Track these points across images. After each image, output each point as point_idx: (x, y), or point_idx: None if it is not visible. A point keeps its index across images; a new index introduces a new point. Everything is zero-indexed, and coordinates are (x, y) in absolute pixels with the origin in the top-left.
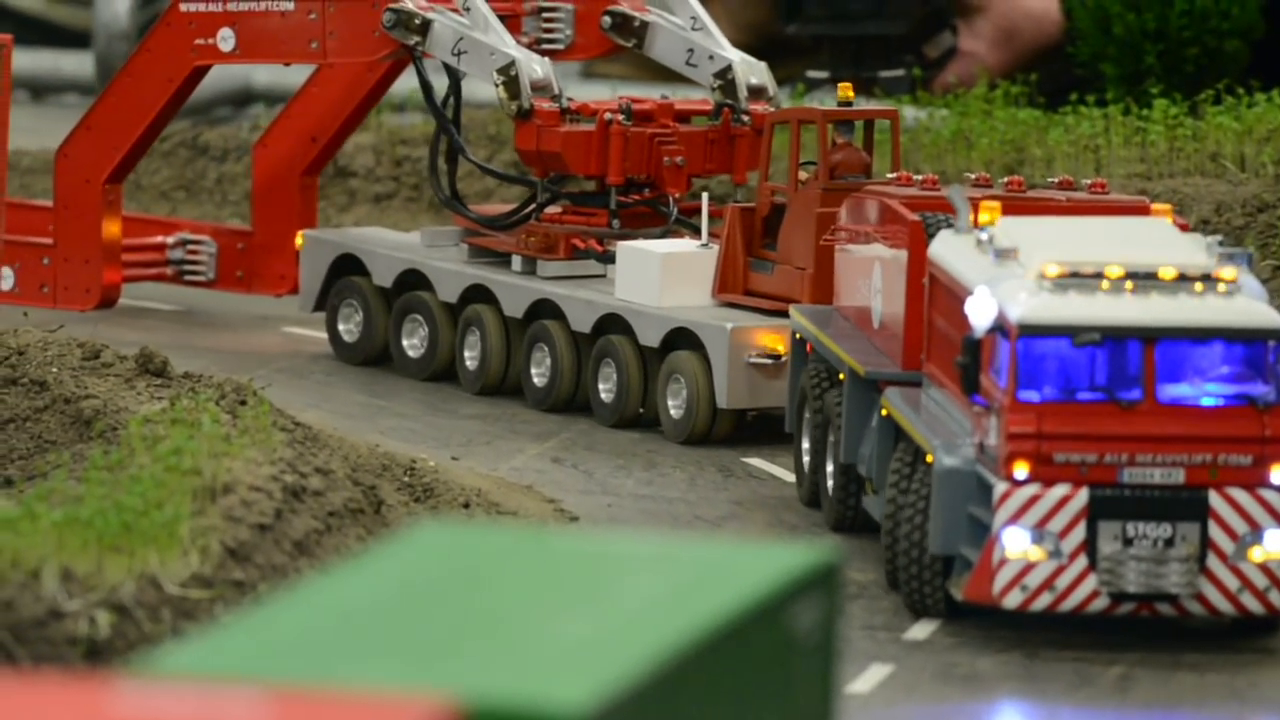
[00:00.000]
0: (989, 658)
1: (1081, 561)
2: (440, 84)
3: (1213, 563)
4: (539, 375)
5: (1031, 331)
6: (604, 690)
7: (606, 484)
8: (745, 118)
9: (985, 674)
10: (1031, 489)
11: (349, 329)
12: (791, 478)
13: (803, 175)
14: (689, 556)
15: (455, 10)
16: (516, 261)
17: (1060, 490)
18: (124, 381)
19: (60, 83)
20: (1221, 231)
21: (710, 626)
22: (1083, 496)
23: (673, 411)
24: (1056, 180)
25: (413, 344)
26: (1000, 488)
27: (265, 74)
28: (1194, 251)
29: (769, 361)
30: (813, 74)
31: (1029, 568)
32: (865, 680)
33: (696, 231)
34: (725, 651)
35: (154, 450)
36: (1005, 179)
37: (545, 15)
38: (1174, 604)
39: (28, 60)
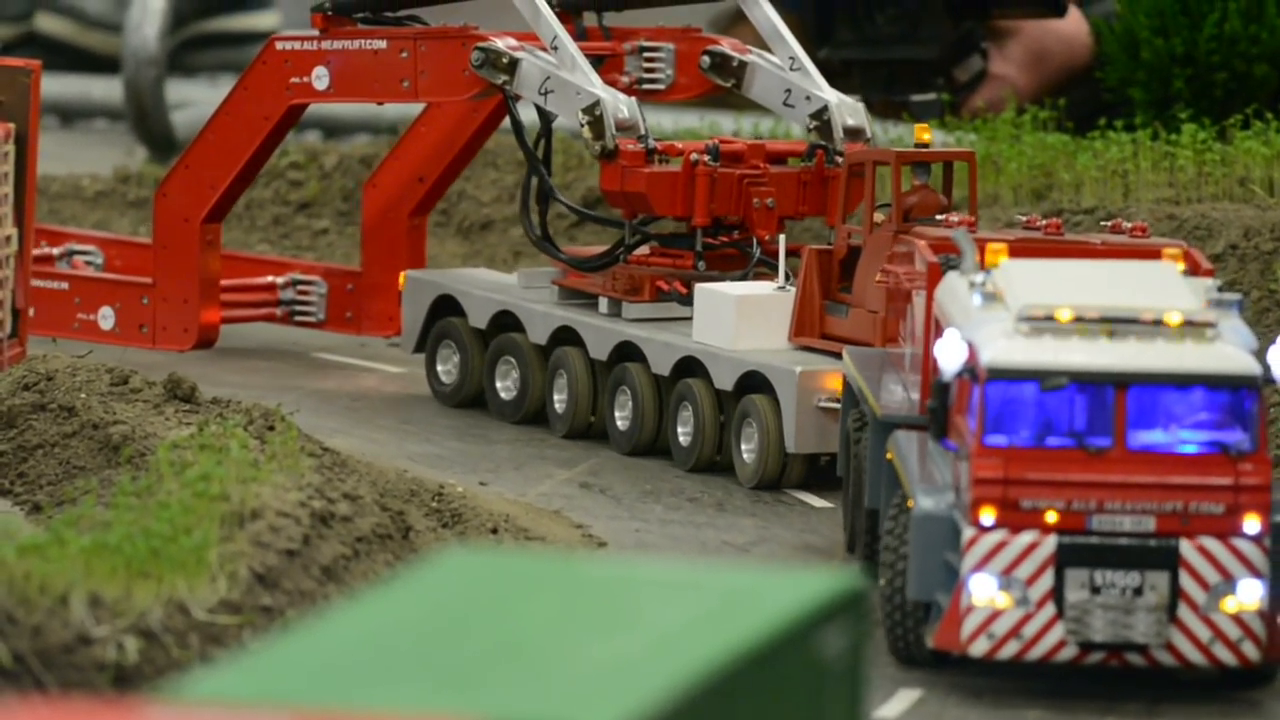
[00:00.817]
0: (1016, 680)
1: (1049, 609)
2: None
3: (1184, 613)
4: (622, 419)
5: (1000, 375)
6: (632, 715)
7: (635, 510)
8: (839, 159)
9: (1013, 697)
10: (998, 535)
11: (447, 370)
12: (820, 503)
13: (878, 217)
14: (717, 582)
15: (544, 49)
16: (603, 303)
17: (1027, 537)
18: (152, 407)
19: (90, 108)
20: (1249, 256)
21: (738, 652)
22: (1050, 543)
23: (745, 456)
24: (1110, 224)
25: (505, 386)
26: (967, 533)
27: None
28: (1186, 297)
29: (838, 405)
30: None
31: (995, 615)
32: (894, 705)
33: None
34: (753, 677)
35: (182, 476)
36: (1044, 220)
37: (646, 55)
38: (1144, 654)
39: (57, 86)
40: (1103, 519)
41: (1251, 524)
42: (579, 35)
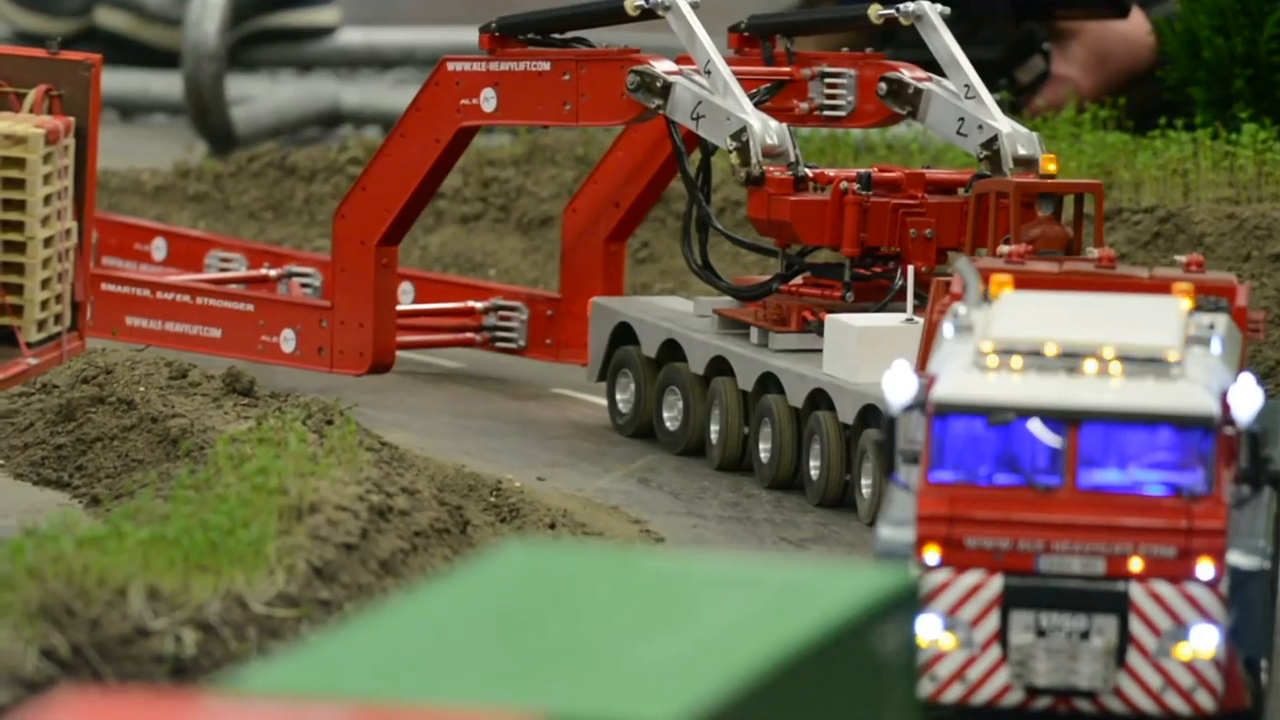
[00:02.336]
0: None
1: (994, 652)
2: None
3: (1134, 658)
4: (765, 451)
5: (947, 410)
6: (691, 709)
7: (692, 505)
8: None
9: None
10: (943, 574)
11: (625, 399)
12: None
13: (1002, 250)
14: (775, 577)
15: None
16: (754, 333)
17: (972, 577)
18: (211, 401)
19: (149, 103)
20: None
21: (796, 647)
22: (996, 584)
23: (864, 490)
24: (1185, 260)
25: (672, 416)
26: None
27: (354, 94)
28: (1166, 334)
29: None
30: None
31: (939, 657)
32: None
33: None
34: (811, 672)
35: (240, 469)
36: (1096, 252)
37: (829, 81)
38: (1093, 700)
39: (117, 80)
40: (1051, 560)
41: (1205, 568)
42: (766, 60)
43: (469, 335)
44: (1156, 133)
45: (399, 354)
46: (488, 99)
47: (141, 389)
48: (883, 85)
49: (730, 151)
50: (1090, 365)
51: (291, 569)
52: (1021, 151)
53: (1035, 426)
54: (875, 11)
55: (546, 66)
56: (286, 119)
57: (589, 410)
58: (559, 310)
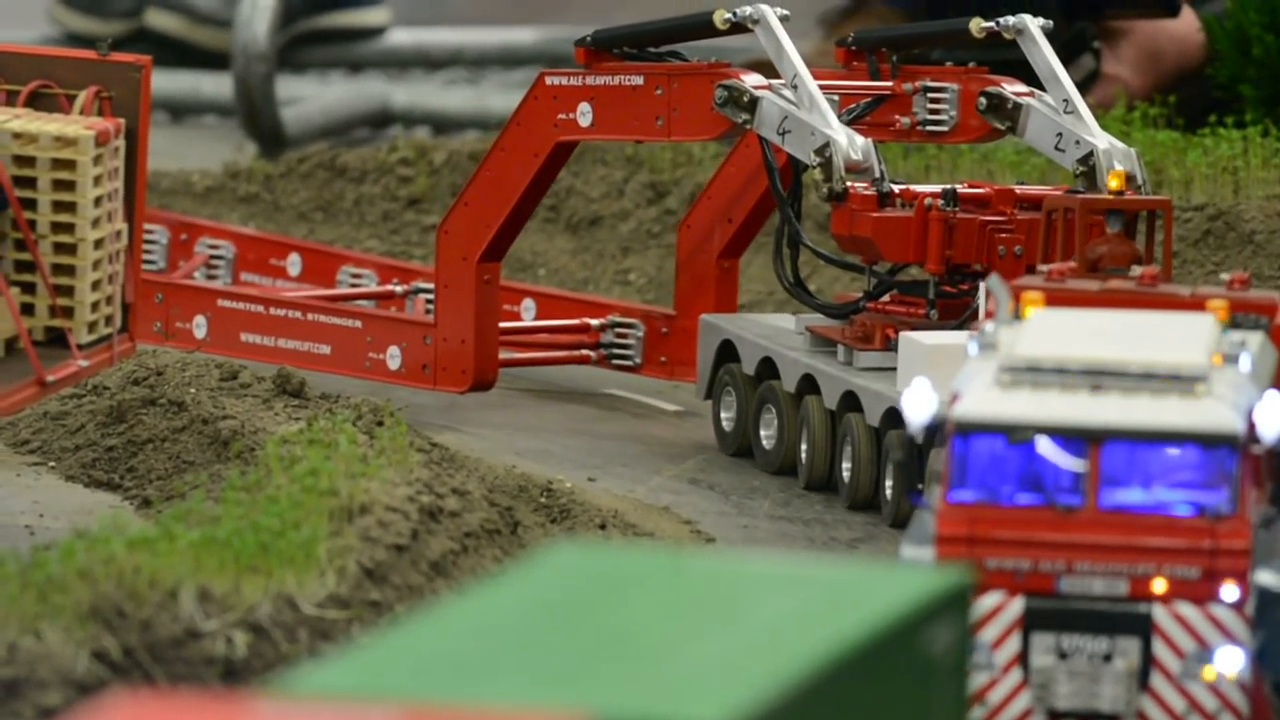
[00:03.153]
0: None
1: (1015, 675)
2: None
3: (1157, 681)
4: (846, 470)
5: (967, 429)
6: (740, 708)
7: (743, 506)
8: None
9: None
10: None
11: (729, 417)
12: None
13: (1043, 268)
14: (825, 577)
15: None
16: (841, 351)
17: (993, 598)
18: (261, 402)
19: (200, 104)
20: None
21: (846, 646)
22: (1017, 606)
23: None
24: (1230, 278)
25: (768, 435)
26: None
27: (403, 95)
28: (1194, 352)
29: None
30: None
31: None
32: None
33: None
34: (861, 672)
35: (291, 471)
36: (1140, 271)
37: (932, 96)
38: None
39: (167, 81)
40: (1072, 581)
41: (1229, 590)
42: (872, 74)
43: (584, 353)
44: (1206, 130)
45: (513, 371)
46: (584, 114)
47: (192, 390)
48: (982, 100)
49: (814, 167)
50: (1113, 383)
51: (342, 570)
52: (1118, 167)
53: (1046, 446)
54: (977, 25)
55: (640, 81)
56: (336, 120)
57: (640, 410)
58: (673, 327)
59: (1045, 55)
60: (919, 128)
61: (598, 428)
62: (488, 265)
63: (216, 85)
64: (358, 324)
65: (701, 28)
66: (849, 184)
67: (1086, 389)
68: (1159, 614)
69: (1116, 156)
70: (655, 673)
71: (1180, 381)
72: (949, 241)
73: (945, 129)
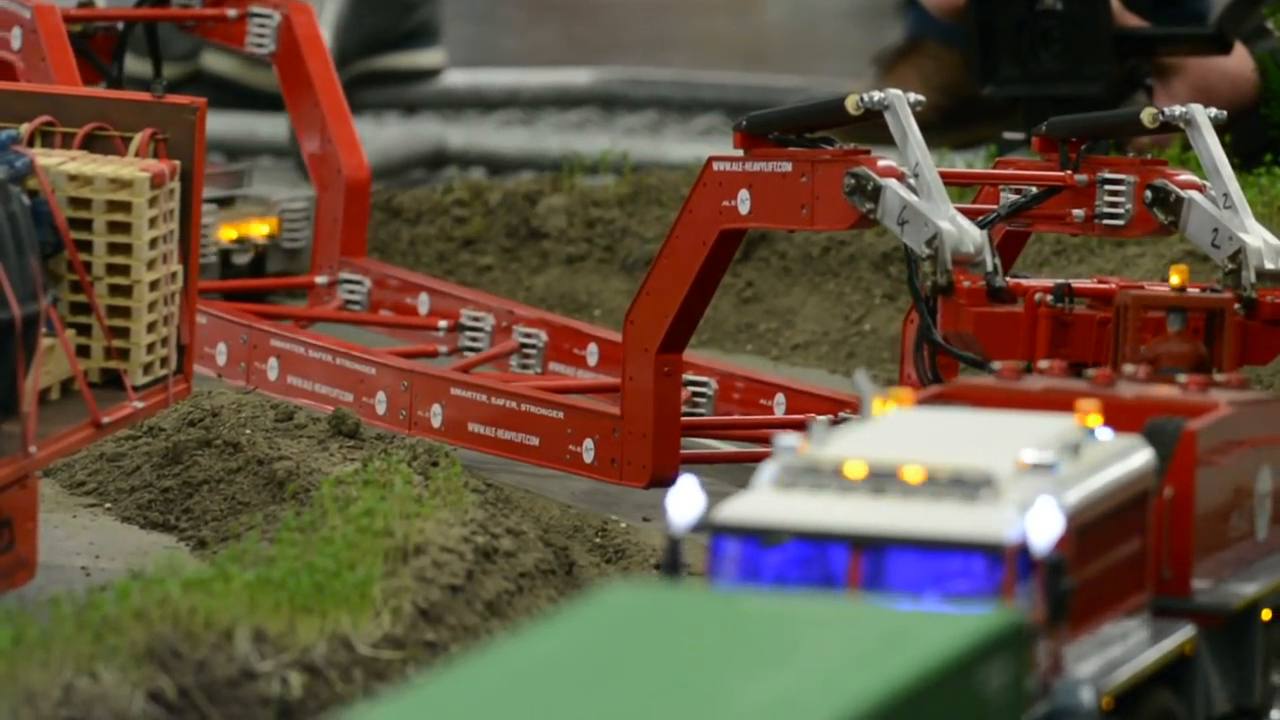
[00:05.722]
0: None
1: None
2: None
3: None
4: None
5: (725, 531)
6: None
7: None
8: (1237, 306)
9: None
10: None
11: None
12: None
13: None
14: (878, 617)
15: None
16: None
17: None
18: (316, 443)
19: (255, 146)
20: None
21: (901, 686)
22: None
23: None
24: (1226, 379)
25: None
26: None
27: (459, 136)
28: (1007, 455)
29: None
30: (1009, 135)
31: None
32: None
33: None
34: (915, 712)
35: (346, 511)
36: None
37: (1109, 188)
38: None
39: (222, 124)
40: None
41: None
42: (1062, 164)
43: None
44: (1262, 169)
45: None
46: (743, 201)
47: (248, 431)
48: (1148, 193)
49: (924, 259)
50: (896, 487)
51: (397, 611)
52: (1270, 266)
53: (806, 550)
54: (1150, 115)
55: (789, 167)
56: (391, 160)
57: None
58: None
59: (1209, 146)
60: (1095, 221)
61: None
62: (668, 356)
63: (273, 127)
64: (559, 414)
65: (836, 112)
66: (956, 277)
67: (868, 492)
68: None
69: (1268, 255)
70: (710, 713)
71: (963, 486)
72: (1063, 339)
73: (1121, 223)
